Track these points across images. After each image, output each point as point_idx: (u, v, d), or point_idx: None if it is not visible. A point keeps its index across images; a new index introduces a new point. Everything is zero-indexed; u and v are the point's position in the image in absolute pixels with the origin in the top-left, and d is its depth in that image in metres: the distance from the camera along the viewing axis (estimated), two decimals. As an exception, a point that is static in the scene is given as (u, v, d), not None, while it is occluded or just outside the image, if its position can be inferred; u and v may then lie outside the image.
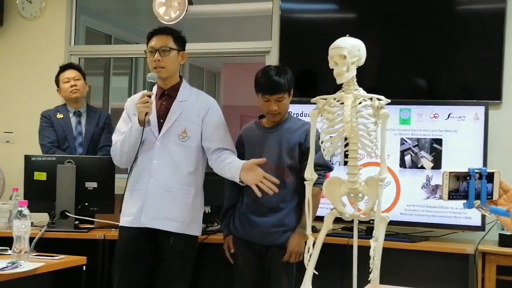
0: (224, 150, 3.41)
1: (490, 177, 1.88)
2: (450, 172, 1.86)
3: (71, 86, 4.31)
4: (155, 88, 3.46)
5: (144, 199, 3.35)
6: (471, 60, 4.22)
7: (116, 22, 6.59)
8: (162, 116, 3.41)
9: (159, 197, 3.34)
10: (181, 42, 3.49)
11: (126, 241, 3.42)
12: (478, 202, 1.88)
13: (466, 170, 1.87)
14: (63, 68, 4.40)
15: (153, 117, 3.37)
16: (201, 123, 3.42)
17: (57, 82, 4.39)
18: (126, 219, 3.41)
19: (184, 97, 3.46)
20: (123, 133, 3.42)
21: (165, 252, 3.37)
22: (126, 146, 3.38)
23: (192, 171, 3.40)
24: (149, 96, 3.30)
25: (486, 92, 4.11)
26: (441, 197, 1.90)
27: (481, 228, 3.74)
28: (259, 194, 3.20)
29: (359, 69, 3.01)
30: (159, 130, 3.38)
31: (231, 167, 3.30)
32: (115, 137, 3.50)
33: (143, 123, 3.29)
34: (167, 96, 3.46)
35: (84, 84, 4.38)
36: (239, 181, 3.29)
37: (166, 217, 3.33)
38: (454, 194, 1.87)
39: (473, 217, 3.74)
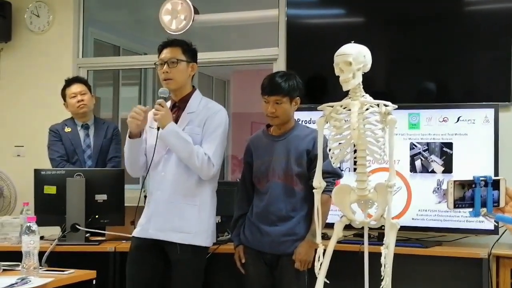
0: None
1: (496, 184, 1.85)
2: (454, 181, 1.83)
3: (78, 102, 4.31)
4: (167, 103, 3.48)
5: (152, 210, 3.40)
6: (479, 61, 4.19)
7: (124, 33, 6.62)
8: None
9: (164, 208, 3.36)
10: (190, 53, 3.48)
11: (135, 249, 3.46)
12: (484, 210, 1.85)
13: (471, 178, 1.85)
14: (69, 83, 4.40)
15: None
16: (202, 131, 3.40)
17: (63, 96, 4.40)
18: (136, 229, 3.47)
19: (193, 108, 3.45)
20: None
21: (172, 263, 3.39)
22: (126, 157, 3.46)
23: (198, 183, 3.39)
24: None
25: (495, 94, 4.07)
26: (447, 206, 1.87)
27: (495, 231, 3.69)
28: None
29: (367, 74, 2.99)
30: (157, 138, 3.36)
31: None
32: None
33: (133, 135, 3.34)
34: (178, 108, 3.47)
35: (90, 98, 4.38)
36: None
37: (171, 229, 3.34)
38: (459, 203, 1.84)
39: (486, 221, 3.65)
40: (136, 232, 3.45)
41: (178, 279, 3.38)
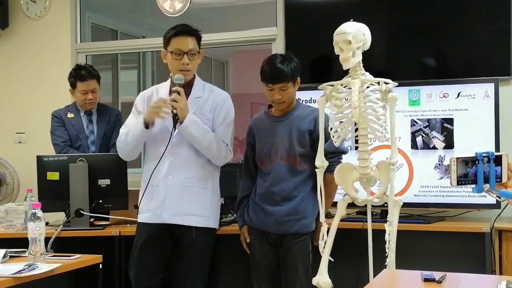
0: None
1: (498, 160, 1.86)
2: (457, 158, 1.85)
3: (88, 99, 4.27)
4: (165, 86, 3.50)
5: (163, 195, 3.39)
6: (479, 36, 4.16)
7: (121, 16, 6.59)
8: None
9: (178, 193, 3.37)
10: (200, 42, 3.49)
11: (145, 237, 3.45)
12: (487, 186, 1.87)
13: (473, 154, 1.86)
14: (83, 77, 4.23)
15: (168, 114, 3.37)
16: (213, 117, 3.44)
17: (73, 85, 4.30)
18: (145, 215, 3.45)
19: (199, 93, 3.48)
20: None
21: (185, 246, 3.41)
22: (129, 137, 3.43)
23: (208, 165, 3.43)
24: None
25: (495, 68, 4.06)
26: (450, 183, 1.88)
27: (497, 206, 3.71)
28: None
29: (367, 52, 2.99)
30: (175, 126, 3.36)
31: None
32: (122, 130, 3.53)
33: (148, 124, 3.34)
34: None
35: (99, 91, 4.34)
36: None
37: (186, 212, 3.38)
38: (463, 180, 1.86)
39: (487, 195, 3.70)
40: (147, 218, 3.43)
41: (191, 261, 3.41)
